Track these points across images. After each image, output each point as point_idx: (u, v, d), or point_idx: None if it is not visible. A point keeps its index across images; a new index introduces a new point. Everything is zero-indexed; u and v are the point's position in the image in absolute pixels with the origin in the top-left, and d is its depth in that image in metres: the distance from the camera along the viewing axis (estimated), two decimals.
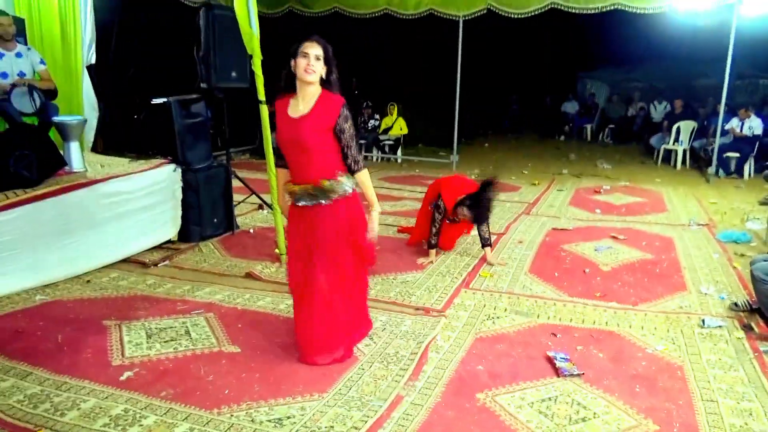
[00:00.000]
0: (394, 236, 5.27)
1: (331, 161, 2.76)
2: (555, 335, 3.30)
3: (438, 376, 2.83)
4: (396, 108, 10.22)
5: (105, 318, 3.36)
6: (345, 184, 2.78)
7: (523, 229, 5.53)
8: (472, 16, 8.45)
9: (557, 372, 2.87)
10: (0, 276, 3.60)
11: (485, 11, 8.34)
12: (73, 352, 2.95)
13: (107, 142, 7.52)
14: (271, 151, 4.38)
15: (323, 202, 2.75)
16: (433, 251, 4.54)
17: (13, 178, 3.72)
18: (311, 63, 2.63)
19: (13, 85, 4.58)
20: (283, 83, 2.76)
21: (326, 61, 2.70)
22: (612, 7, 7.68)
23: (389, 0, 8.69)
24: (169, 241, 4.85)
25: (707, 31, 9.45)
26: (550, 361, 2.98)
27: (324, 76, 2.72)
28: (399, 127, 10.15)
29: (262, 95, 4.29)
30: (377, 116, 10.46)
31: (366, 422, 2.42)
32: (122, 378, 2.72)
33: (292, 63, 2.67)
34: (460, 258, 4.65)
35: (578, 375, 2.85)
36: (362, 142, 10.31)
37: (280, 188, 3.03)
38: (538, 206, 6.58)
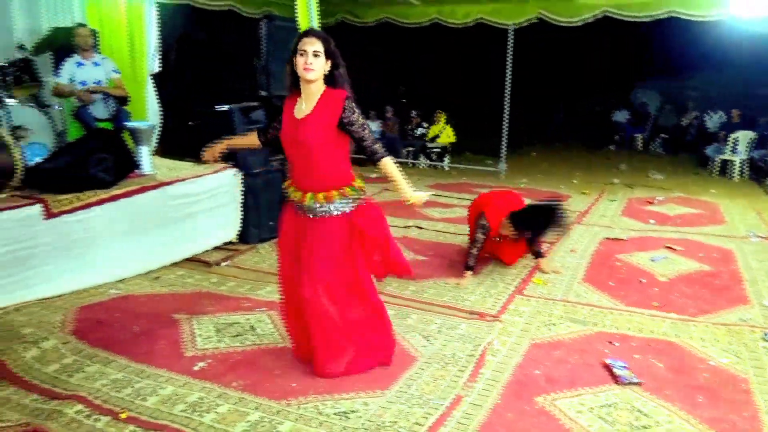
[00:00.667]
0: (446, 242, 5.34)
1: (336, 166, 2.63)
2: (612, 343, 3.31)
3: (496, 379, 2.88)
4: (444, 116, 10.30)
5: (175, 312, 3.55)
6: (347, 201, 2.65)
7: (575, 238, 5.50)
8: (522, 25, 8.47)
9: (616, 379, 2.88)
10: (78, 270, 3.84)
11: (536, 20, 8.35)
12: (149, 342, 3.14)
13: (165, 147, 7.87)
14: None
15: (317, 215, 2.63)
16: (468, 274, 4.25)
17: (91, 180, 3.97)
18: (309, 60, 2.47)
19: (91, 93, 4.88)
20: (288, 84, 2.63)
21: (328, 56, 2.52)
22: (668, 15, 7.56)
23: (439, 9, 8.79)
24: (229, 242, 5.05)
25: None
26: (608, 368, 2.99)
27: (327, 72, 2.55)
28: (446, 135, 10.21)
29: None
30: (425, 124, 10.55)
31: (428, 419, 2.50)
32: (195, 368, 2.89)
33: (294, 62, 2.52)
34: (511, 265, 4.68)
35: (638, 383, 2.85)
36: (410, 149, 10.43)
37: (241, 140, 3.01)
38: (589, 216, 6.52)
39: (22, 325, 3.24)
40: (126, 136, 4.70)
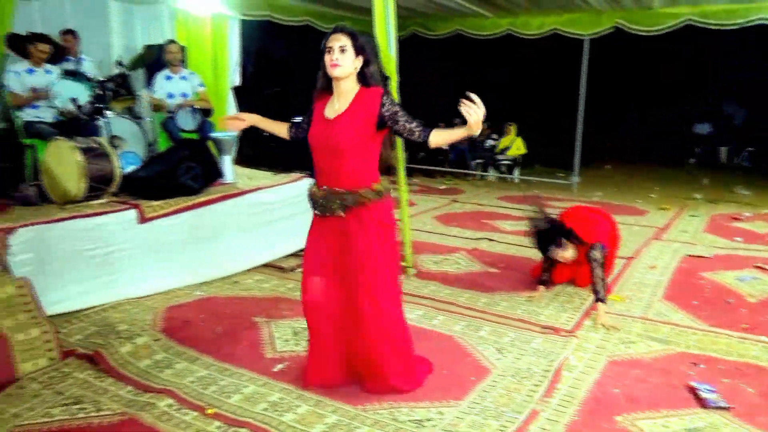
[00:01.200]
0: (518, 254, 5.27)
1: (366, 168, 2.49)
2: (696, 365, 3.16)
3: (573, 395, 2.82)
4: (514, 128, 10.19)
5: (255, 315, 3.70)
6: (377, 192, 2.51)
7: (655, 255, 5.29)
8: (599, 35, 8.27)
9: (702, 403, 2.75)
10: (166, 272, 4.08)
11: (613, 29, 8.13)
12: (232, 343, 3.29)
13: (243, 157, 8.23)
14: (403, 169, 4.61)
15: (344, 209, 2.47)
16: (541, 288, 4.17)
17: (181, 187, 4.21)
18: (335, 56, 2.37)
19: (179, 106, 5.19)
20: (319, 84, 2.54)
21: (358, 51, 2.40)
22: (758, 22, 7.17)
23: (512, 21, 8.73)
24: (302, 250, 5.19)
25: None
26: (694, 391, 2.86)
27: (358, 68, 2.43)
28: (517, 147, 10.09)
29: None
30: (495, 136, 10.47)
31: None
32: (275, 369, 3.00)
33: (324, 61, 2.44)
34: None
35: (726, 408, 2.71)
36: (479, 161, 10.37)
37: (270, 124, 2.78)
38: (669, 232, 6.26)
39: (118, 322, 3.48)
40: (210, 145, 4.96)
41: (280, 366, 3.04)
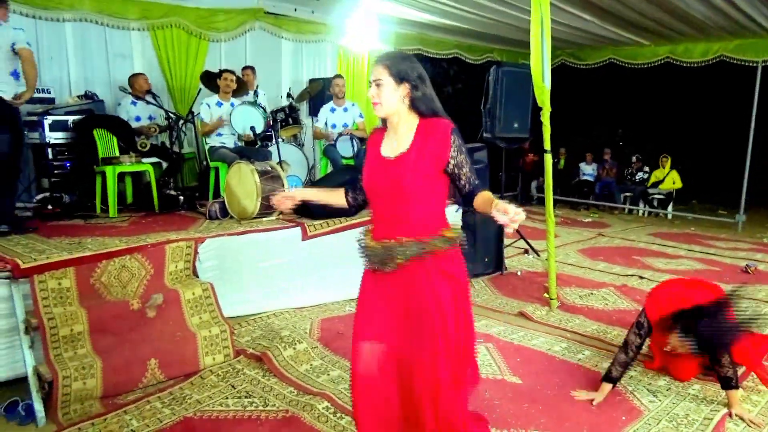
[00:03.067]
0: None
1: (435, 214, 2.04)
2: None
3: None
4: (669, 160, 9.56)
5: None
6: (448, 239, 2.03)
7: None
8: None
9: None
10: (322, 287, 4.43)
11: None
12: None
13: None
14: (551, 199, 4.58)
15: (407, 259, 1.98)
16: (607, 387, 3.03)
17: (339, 209, 4.54)
18: (371, 93, 2.00)
19: (340, 134, 5.64)
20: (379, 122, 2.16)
21: (400, 79, 1.95)
22: None
23: (672, 49, 8.31)
24: None
25: None
26: None
27: (406, 98, 1.98)
28: (672, 180, 9.45)
29: (547, 145, 4.52)
30: (647, 168, 9.90)
31: None
32: None
33: None
34: None
35: None
36: (628, 194, 9.85)
37: (330, 194, 2.40)
38: None
39: (281, 328, 3.84)
40: None
41: None
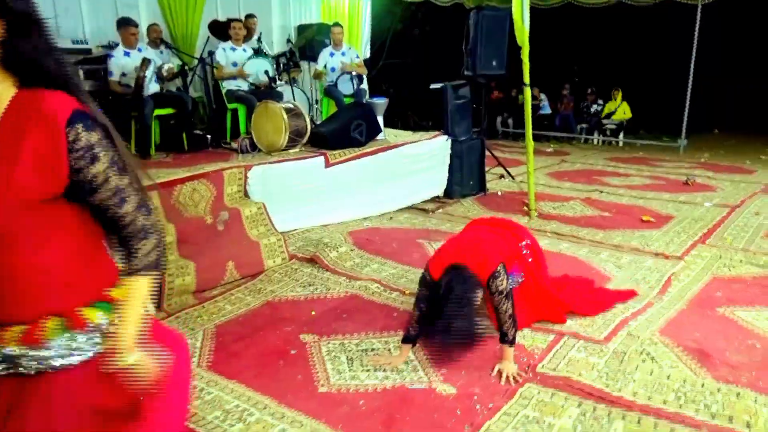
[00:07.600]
0: (628, 203, 5.97)
1: (53, 267, 1.20)
2: None
3: (681, 295, 3.62)
4: (620, 93, 10.59)
5: (417, 238, 4.75)
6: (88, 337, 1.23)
7: (760, 205, 5.81)
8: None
9: None
10: (344, 207, 5.21)
11: None
12: (407, 254, 4.35)
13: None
14: (530, 126, 5.45)
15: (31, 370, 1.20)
16: (406, 347, 2.84)
17: (352, 140, 5.30)
18: None
19: (341, 74, 6.29)
20: None
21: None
22: None
23: None
24: (436, 197, 6.20)
25: None
26: None
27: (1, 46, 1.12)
28: (623, 111, 10.51)
29: (527, 79, 5.32)
30: (600, 101, 10.92)
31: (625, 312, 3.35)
32: None
33: None
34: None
35: None
36: (584, 125, 10.88)
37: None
38: None
39: (320, 238, 4.63)
40: None
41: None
